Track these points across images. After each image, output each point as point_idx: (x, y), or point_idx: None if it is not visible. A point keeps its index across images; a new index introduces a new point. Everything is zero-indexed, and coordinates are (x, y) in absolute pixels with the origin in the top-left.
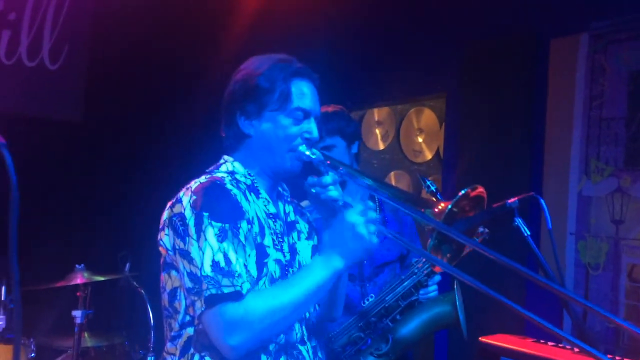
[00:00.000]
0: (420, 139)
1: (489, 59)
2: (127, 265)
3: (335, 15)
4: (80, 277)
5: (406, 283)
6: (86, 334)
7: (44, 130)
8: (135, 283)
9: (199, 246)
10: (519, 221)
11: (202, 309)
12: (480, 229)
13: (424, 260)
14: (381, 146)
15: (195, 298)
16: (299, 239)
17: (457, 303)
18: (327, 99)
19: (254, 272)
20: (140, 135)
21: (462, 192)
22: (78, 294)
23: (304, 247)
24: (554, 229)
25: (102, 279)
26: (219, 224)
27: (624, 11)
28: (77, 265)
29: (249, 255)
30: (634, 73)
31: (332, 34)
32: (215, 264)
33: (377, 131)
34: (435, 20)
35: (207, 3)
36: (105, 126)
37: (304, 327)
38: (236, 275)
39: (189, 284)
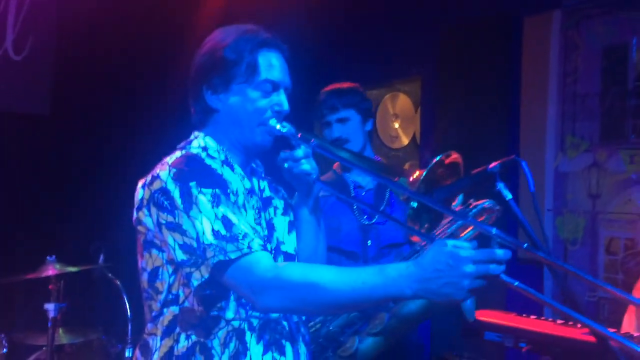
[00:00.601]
0: (396, 125)
1: (463, 40)
2: (101, 256)
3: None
4: (51, 269)
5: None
6: (60, 330)
7: (11, 123)
8: (110, 274)
9: (189, 216)
10: (500, 185)
11: (204, 278)
12: (488, 204)
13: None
14: None
15: (192, 269)
16: (275, 214)
17: None
18: (301, 84)
19: (260, 230)
20: (110, 126)
21: (437, 158)
22: (50, 286)
23: (281, 223)
24: (531, 205)
25: (74, 270)
26: (210, 190)
27: None
28: (48, 257)
29: (246, 216)
30: (607, 48)
31: (304, 17)
32: (216, 232)
33: None
34: (409, 3)
35: None
36: (74, 118)
37: None
38: (240, 237)
39: (181, 257)
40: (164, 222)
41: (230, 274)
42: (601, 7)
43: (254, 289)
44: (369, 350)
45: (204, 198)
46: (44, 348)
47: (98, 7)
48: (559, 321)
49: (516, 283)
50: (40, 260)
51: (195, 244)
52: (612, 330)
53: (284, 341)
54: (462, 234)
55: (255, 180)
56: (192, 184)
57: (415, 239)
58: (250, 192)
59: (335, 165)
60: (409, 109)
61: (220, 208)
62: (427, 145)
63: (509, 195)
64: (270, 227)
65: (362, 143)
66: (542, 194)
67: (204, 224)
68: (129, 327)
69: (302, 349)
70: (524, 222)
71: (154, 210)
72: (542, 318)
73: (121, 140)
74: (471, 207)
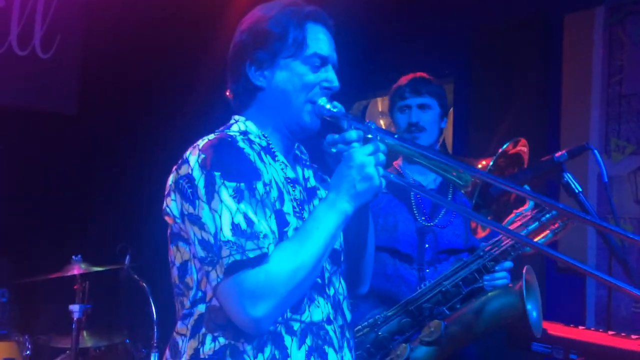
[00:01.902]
0: None
1: (499, 42)
2: (127, 257)
3: (339, 1)
4: (77, 268)
5: (469, 267)
6: (85, 333)
7: (37, 121)
8: (136, 276)
9: (210, 209)
10: (568, 176)
11: (219, 279)
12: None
13: (493, 243)
14: None
15: (210, 268)
16: None
17: (525, 293)
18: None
19: (276, 235)
20: (137, 125)
21: (504, 146)
22: (75, 287)
23: None
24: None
25: (100, 269)
26: (234, 184)
27: None
28: (73, 257)
29: (270, 217)
30: None
31: (335, 20)
32: (235, 227)
33: (382, 122)
34: (442, 5)
35: None
36: (100, 117)
37: (329, 304)
38: (261, 236)
39: (201, 253)
40: (186, 213)
41: (241, 277)
42: None
43: (249, 300)
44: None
45: (226, 192)
46: (67, 351)
47: (125, 6)
48: (611, 332)
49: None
50: (65, 260)
51: (212, 240)
52: None
53: (326, 347)
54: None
55: (299, 169)
56: (217, 173)
57: (480, 233)
58: (294, 182)
59: (396, 162)
60: None
61: (241, 204)
62: (460, 150)
63: (578, 188)
64: None
65: (435, 136)
66: (586, 199)
67: (224, 218)
68: (155, 331)
69: (347, 356)
70: (595, 217)
71: (178, 197)
72: (592, 329)
73: (148, 139)
74: (545, 212)
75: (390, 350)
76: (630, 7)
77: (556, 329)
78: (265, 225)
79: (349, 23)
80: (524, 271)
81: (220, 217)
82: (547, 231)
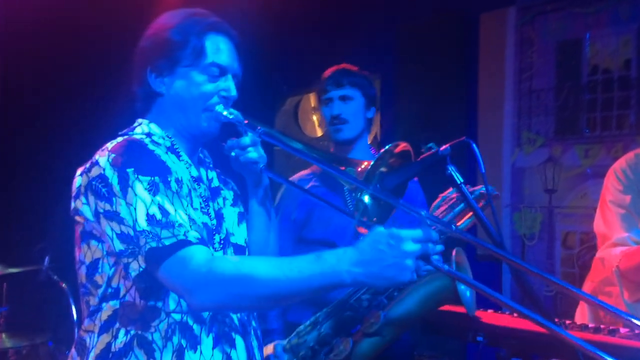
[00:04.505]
0: None
1: (421, 38)
2: (47, 258)
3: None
4: None
5: None
6: (4, 335)
7: None
8: (56, 277)
9: (127, 203)
10: (451, 168)
11: (142, 269)
12: (482, 189)
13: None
14: (319, 133)
15: (130, 259)
16: (224, 205)
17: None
18: (262, 84)
19: (200, 222)
20: (54, 124)
21: (385, 148)
22: None
23: (230, 214)
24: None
25: (16, 271)
26: (148, 177)
27: None
28: None
29: (188, 207)
30: (561, 44)
31: (266, 17)
32: (150, 218)
33: (314, 117)
34: (367, 3)
35: None
36: (15, 116)
37: None
38: (176, 225)
39: (119, 247)
40: (101, 210)
41: (164, 266)
42: (555, 3)
43: (186, 286)
44: (365, 352)
45: (140, 185)
46: None
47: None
48: (516, 314)
49: (446, 267)
50: None
51: (132, 232)
52: (567, 321)
53: (233, 334)
54: (459, 223)
55: (203, 170)
56: (130, 170)
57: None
58: (198, 180)
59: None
60: None
61: (157, 197)
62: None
63: (460, 179)
64: (220, 216)
65: (361, 128)
66: (499, 189)
67: (139, 210)
68: (76, 333)
69: (255, 343)
70: (475, 207)
71: (91, 198)
72: (500, 312)
73: (66, 139)
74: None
75: (334, 346)
76: (539, 7)
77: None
78: (182, 215)
79: (277, 20)
80: (453, 253)
81: (135, 209)
82: (471, 214)
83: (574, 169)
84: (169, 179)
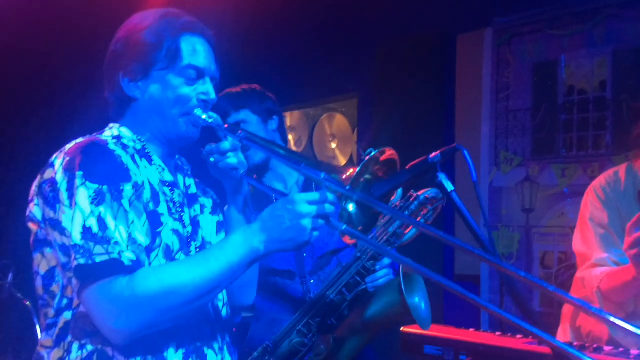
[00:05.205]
0: (333, 145)
1: (399, 58)
2: (10, 274)
3: (244, 16)
4: None
5: (349, 272)
6: None
7: None
8: (19, 295)
9: (69, 211)
10: (441, 176)
11: (78, 286)
12: (430, 193)
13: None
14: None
15: (71, 274)
16: (202, 212)
17: (404, 288)
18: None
19: (144, 241)
20: (17, 134)
21: (370, 155)
22: None
23: (208, 222)
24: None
25: None
26: (95, 185)
27: (525, 6)
28: None
29: (133, 222)
30: (537, 65)
31: (241, 36)
32: (86, 230)
33: (290, 137)
34: (344, 22)
35: None
36: None
37: (208, 306)
38: (112, 242)
39: (63, 259)
40: (48, 218)
41: (89, 290)
42: (531, 25)
43: (111, 313)
44: None
45: (84, 193)
46: None
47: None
48: (498, 333)
49: (343, 227)
50: None
51: (70, 244)
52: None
53: (205, 349)
54: (406, 232)
55: (180, 176)
56: (79, 173)
57: (347, 240)
58: (172, 185)
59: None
60: (346, 129)
61: (100, 207)
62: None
63: (450, 187)
64: (195, 224)
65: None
66: (477, 208)
67: (76, 221)
68: (35, 350)
69: (227, 358)
70: (466, 214)
71: (41, 202)
72: (481, 330)
73: (31, 151)
74: (412, 199)
75: None
76: (515, 29)
77: (447, 332)
78: (122, 232)
79: (255, 37)
80: (400, 267)
81: (72, 220)
82: (419, 218)
83: (551, 188)
84: (122, 188)
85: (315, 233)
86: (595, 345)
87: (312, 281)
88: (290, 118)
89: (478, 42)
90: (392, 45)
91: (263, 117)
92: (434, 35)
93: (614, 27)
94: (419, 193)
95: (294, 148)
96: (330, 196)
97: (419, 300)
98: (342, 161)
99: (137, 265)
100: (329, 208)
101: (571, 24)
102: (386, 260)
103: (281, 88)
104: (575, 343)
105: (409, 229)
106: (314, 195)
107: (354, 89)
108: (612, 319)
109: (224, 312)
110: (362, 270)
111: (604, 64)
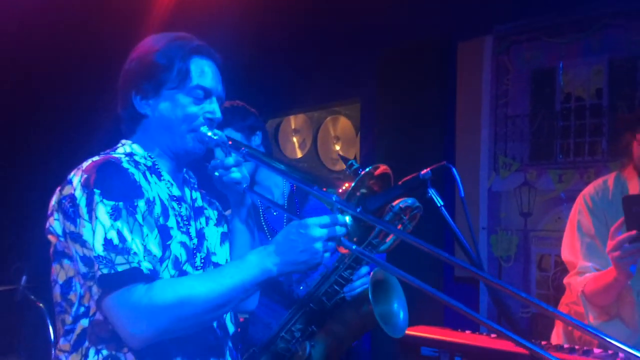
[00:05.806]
0: (337, 147)
1: (400, 64)
2: (24, 277)
3: (249, 23)
4: None
5: (329, 281)
6: None
7: None
8: (33, 297)
9: (90, 225)
10: (432, 192)
11: (99, 294)
12: (404, 203)
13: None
14: (299, 154)
15: (91, 283)
16: (207, 224)
17: (371, 297)
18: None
19: (157, 253)
20: (32, 141)
21: (365, 170)
22: None
23: (213, 233)
24: (466, 224)
25: None
26: (112, 202)
27: (523, 14)
28: None
29: (147, 235)
30: (535, 72)
31: (246, 41)
32: (107, 242)
33: (295, 139)
34: (348, 27)
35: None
36: None
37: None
38: (132, 252)
39: (83, 269)
40: (68, 231)
41: (111, 296)
42: (530, 33)
43: (128, 318)
44: None
45: (103, 209)
46: None
47: (29, 8)
48: (493, 335)
49: (354, 247)
50: None
51: (92, 255)
52: (543, 342)
53: (209, 354)
54: (387, 239)
55: (187, 190)
56: (97, 191)
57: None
58: (179, 199)
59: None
60: (350, 132)
61: (117, 222)
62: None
63: (440, 202)
64: (201, 236)
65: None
66: (476, 212)
67: (97, 234)
68: (53, 353)
69: None
70: (454, 229)
71: (61, 217)
72: (477, 333)
73: (44, 158)
74: (387, 210)
75: None
76: (515, 37)
77: (444, 334)
78: (139, 244)
79: (261, 45)
80: (370, 275)
81: (94, 233)
82: (399, 226)
83: (548, 193)
84: (136, 204)
85: (327, 254)
86: (585, 348)
87: (301, 287)
88: (295, 121)
89: (478, 49)
90: (394, 51)
91: (246, 134)
92: (435, 43)
93: (611, 36)
94: (393, 203)
95: (298, 150)
96: (341, 218)
97: (394, 307)
98: None
99: (154, 273)
100: (339, 230)
101: (569, 32)
102: (363, 270)
103: (286, 92)
104: (565, 345)
105: (389, 238)
106: (325, 219)
107: (356, 94)
108: (595, 332)
109: (228, 322)
110: (340, 279)
111: (600, 72)
